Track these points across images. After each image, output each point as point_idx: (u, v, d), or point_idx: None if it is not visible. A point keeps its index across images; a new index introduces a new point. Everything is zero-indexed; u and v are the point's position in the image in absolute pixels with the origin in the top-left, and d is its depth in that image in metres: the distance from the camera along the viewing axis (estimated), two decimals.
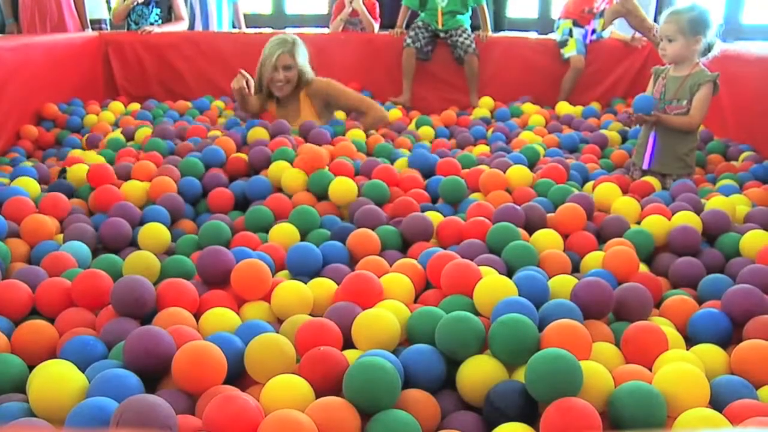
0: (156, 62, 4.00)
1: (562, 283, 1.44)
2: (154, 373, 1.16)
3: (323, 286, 1.47)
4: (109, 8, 4.95)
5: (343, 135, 2.72)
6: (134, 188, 2.05)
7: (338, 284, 1.47)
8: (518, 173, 2.15)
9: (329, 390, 1.09)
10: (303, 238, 1.83)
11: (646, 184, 2.23)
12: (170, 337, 1.18)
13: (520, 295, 1.32)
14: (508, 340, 1.15)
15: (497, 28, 6.36)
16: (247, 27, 4.84)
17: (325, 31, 4.61)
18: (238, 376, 1.20)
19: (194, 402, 1.11)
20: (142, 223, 1.88)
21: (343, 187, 2.03)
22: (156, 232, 1.79)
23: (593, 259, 1.66)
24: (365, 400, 1.04)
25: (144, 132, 2.79)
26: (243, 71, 2.91)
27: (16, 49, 3.18)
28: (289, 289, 1.42)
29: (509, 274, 1.53)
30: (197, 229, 1.98)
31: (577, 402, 1.00)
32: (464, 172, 2.28)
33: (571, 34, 3.87)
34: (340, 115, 3.29)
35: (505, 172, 2.15)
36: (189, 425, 1.00)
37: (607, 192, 2.04)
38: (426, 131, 3.26)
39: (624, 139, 3.06)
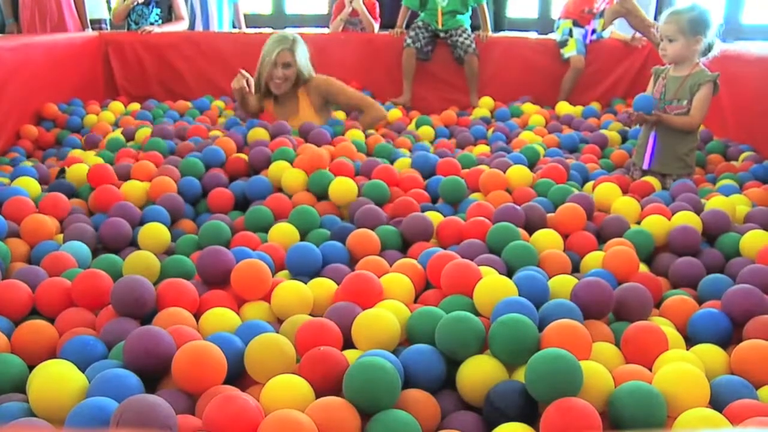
0: (156, 62, 4.00)
1: (562, 283, 1.43)
2: (154, 373, 1.16)
3: (323, 286, 1.47)
4: (109, 8, 4.95)
5: (343, 135, 2.72)
6: (134, 188, 2.05)
7: (338, 284, 1.47)
8: (518, 173, 2.15)
9: (329, 390, 1.09)
10: (303, 238, 1.83)
11: (646, 184, 2.23)
12: (170, 337, 1.18)
13: (520, 295, 1.32)
14: (508, 340, 1.15)
15: (497, 28, 6.36)
16: (247, 27, 4.84)
17: (325, 31, 4.61)
18: (238, 376, 1.19)
19: (194, 402, 1.11)
20: (142, 223, 1.88)
21: (343, 187, 2.03)
22: (156, 232, 1.79)
23: (593, 259, 1.66)
24: (365, 400, 1.04)
25: (144, 132, 2.79)
26: (243, 71, 2.91)
27: (16, 49, 3.18)
28: (289, 289, 1.42)
29: (509, 274, 1.53)
30: (197, 229, 1.98)
31: (577, 402, 1.00)
32: (464, 172, 2.28)
33: (571, 34, 3.87)
34: (340, 115, 3.29)
35: (505, 172, 2.15)
36: (189, 425, 1.00)
37: (607, 192, 2.04)
38: (426, 131, 3.25)
39: (624, 139, 3.06)
